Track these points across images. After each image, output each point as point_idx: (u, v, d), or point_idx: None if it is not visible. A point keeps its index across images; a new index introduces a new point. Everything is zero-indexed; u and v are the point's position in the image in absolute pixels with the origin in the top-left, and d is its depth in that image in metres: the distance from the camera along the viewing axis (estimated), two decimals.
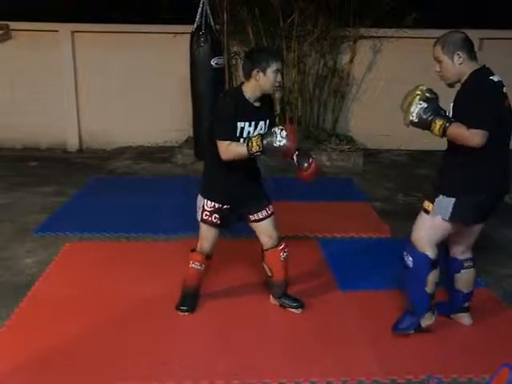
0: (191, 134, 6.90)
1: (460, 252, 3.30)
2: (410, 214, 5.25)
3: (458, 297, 3.36)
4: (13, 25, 7.37)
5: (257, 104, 3.25)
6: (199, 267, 3.47)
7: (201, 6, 5.55)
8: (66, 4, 8.01)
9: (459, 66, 2.96)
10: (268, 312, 3.54)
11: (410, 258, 3.16)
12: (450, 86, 3.07)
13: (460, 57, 2.94)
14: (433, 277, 3.13)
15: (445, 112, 2.97)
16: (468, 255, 3.31)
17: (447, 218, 3.03)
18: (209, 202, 3.34)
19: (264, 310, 3.57)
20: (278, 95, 7.41)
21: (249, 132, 3.21)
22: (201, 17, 5.72)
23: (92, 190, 5.92)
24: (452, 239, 3.28)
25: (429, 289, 3.14)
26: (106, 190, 5.87)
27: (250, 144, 3.09)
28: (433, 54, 3.03)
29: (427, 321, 3.23)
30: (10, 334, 3.25)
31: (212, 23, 5.88)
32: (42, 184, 6.04)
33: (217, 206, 3.33)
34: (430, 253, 3.10)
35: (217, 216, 3.34)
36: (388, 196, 5.86)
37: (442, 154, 3.19)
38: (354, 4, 7.04)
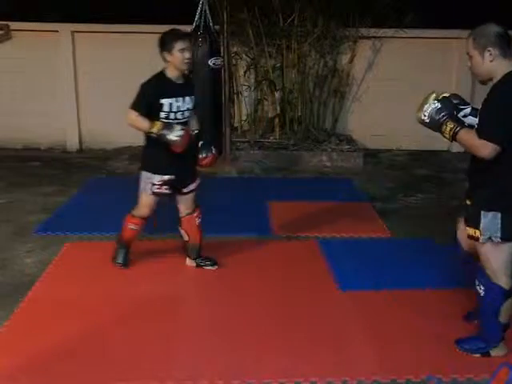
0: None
1: None
2: (410, 214, 5.31)
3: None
4: (13, 25, 7.37)
5: (180, 81, 3.68)
6: (135, 227, 3.94)
7: (200, 6, 5.55)
8: (66, 4, 8.01)
9: (490, 64, 2.75)
10: (267, 312, 3.54)
11: (482, 287, 2.96)
12: (482, 83, 2.87)
13: (491, 54, 2.73)
14: (507, 307, 2.94)
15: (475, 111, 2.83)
16: None
17: (499, 240, 2.82)
18: (157, 176, 3.73)
19: (263, 309, 3.57)
20: (277, 95, 7.43)
21: (178, 106, 3.64)
22: (200, 17, 5.72)
23: (92, 190, 5.92)
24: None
25: (502, 319, 2.97)
26: (106, 190, 5.87)
27: (153, 125, 3.56)
28: (465, 48, 2.84)
29: (499, 351, 3.06)
30: (10, 334, 3.25)
31: (211, 23, 5.87)
32: (42, 184, 6.05)
33: (166, 178, 3.72)
34: (504, 282, 2.90)
35: (167, 187, 3.76)
36: (388, 196, 5.86)
37: (469, 166, 2.98)
38: (353, 4, 7.04)
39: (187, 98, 3.69)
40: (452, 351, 3.12)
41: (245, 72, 7.39)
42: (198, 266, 4.06)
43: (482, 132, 2.71)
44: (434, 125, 2.87)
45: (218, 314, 3.51)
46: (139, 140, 3.93)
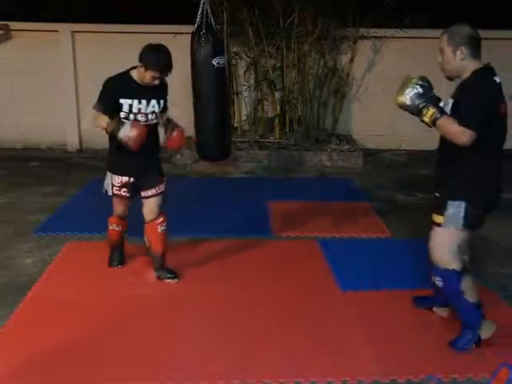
0: (190, 134, 6.90)
1: None
2: (410, 214, 5.31)
3: (441, 296, 3.38)
4: (13, 25, 7.38)
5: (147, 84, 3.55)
6: (117, 228, 3.98)
7: (201, 5, 5.56)
8: (66, 4, 8.01)
9: (460, 62, 2.91)
10: (268, 311, 3.54)
11: (438, 278, 3.05)
12: (449, 79, 3.03)
13: (462, 53, 2.89)
14: (467, 284, 3.01)
15: (438, 101, 2.94)
16: None
17: (461, 228, 2.94)
18: (117, 177, 3.70)
19: (264, 309, 3.57)
20: (277, 95, 7.44)
21: (139, 108, 3.56)
22: (201, 17, 5.73)
23: (92, 190, 5.89)
24: None
25: (470, 297, 3.02)
26: None
27: (111, 123, 3.49)
28: (439, 44, 2.98)
29: (487, 330, 3.09)
30: (10, 334, 3.24)
31: (213, 23, 5.89)
32: (42, 184, 6.05)
33: (124, 180, 3.69)
34: (456, 266, 2.99)
35: (125, 190, 3.71)
36: (388, 196, 5.86)
37: (438, 157, 3.14)
38: (353, 4, 7.05)
39: (153, 101, 3.58)
40: (452, 351, 3.11)
41: (245, 72, 7.40)
42: (158, 278, 3.84)
43: (460, 119, 2.81)
44: (415, 108, 2.93)
45: (218, 314, 3.51)
46: None
